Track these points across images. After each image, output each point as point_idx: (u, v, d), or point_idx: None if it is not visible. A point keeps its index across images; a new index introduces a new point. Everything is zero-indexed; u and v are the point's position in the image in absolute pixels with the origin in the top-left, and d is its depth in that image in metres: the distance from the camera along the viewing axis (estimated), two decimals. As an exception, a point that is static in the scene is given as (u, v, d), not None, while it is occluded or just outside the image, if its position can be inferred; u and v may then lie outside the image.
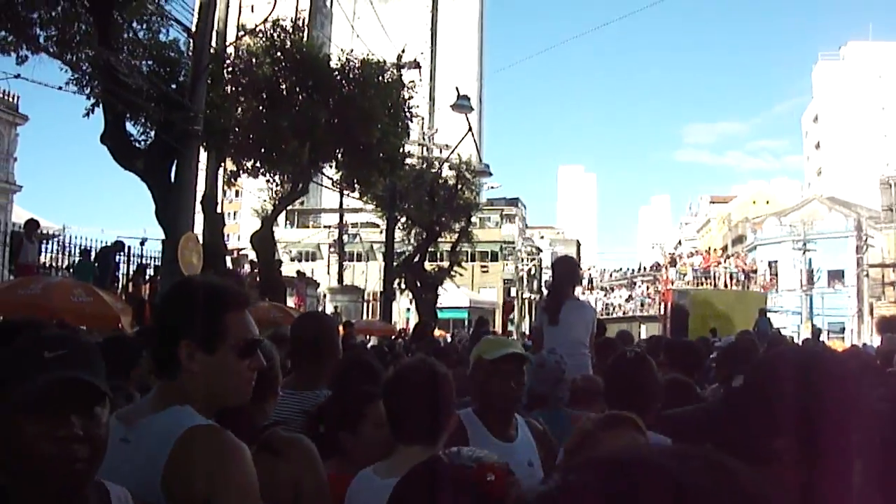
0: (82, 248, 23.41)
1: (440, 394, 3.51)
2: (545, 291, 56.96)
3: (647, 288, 64.19)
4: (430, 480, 1.95)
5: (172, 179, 16.03)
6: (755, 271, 48.53)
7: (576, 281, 9.14)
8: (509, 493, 1.87)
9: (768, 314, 49.02)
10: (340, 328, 20.54)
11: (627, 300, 66.56)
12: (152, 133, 16.87)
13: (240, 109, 20.34)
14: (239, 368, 2.79)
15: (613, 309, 65.46)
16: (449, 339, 28.75)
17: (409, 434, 3.43)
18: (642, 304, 62.74)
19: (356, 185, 26.14)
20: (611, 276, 79.20)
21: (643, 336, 35.44)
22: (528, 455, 4.34)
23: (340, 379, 4.83)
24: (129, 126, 16.99)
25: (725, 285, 43.85)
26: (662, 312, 42.19)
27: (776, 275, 64.12)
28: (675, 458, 0.87)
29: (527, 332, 51.46)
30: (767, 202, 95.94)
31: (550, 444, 4.52)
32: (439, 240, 39.42)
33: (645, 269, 70.84)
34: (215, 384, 2.75)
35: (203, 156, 18.75)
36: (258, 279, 24.25)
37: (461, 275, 43.70)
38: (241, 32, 21.17)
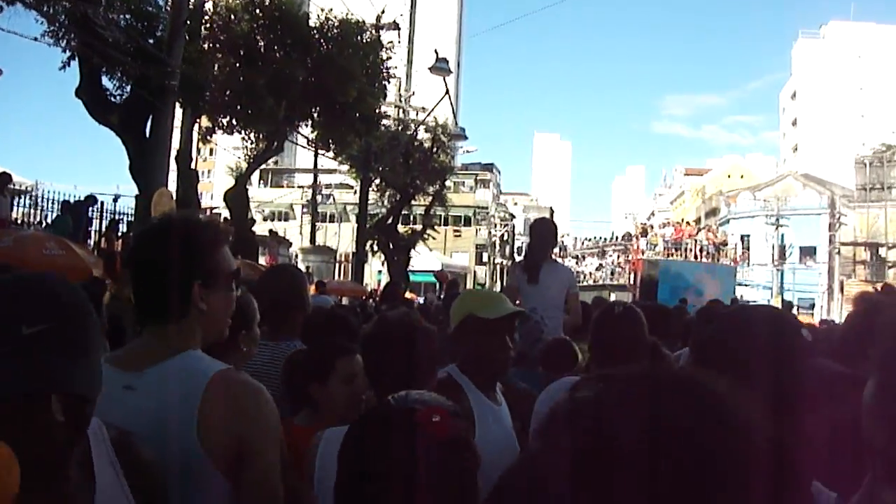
0: (62, 202, 23.28)
1: (422, 349, 3.53)
2: (517, 257, 56.97)
3: (618, 257, 64.35)
4: (379, 423, 2.00)
5: (147, 135, 15.96)
6: (725, 244, 48.72)
7: (554, 243, 9.04)
8: (454, 433, 1.92)
9: (739, 287, 49.46)
10: (312, 288, 20.62)
11: (598, 269, 66.77)
12: (128, 88, 16.79)
13: (217, 66, 20.24)
14: (229, 303, 2.85)
15: (584, 277, 65.64)
16: (421, 302, 28.83)
17: (388, 389, 3.29)
18: (612, 273, 62.92)
19: (331, 145, 26.10)
20: (583, 244, 79.44)
21: (613, 303, 35.77)
22: (508, 419, 4.07)
23: (313, 330, 4.88)
24: (105, 80, 16.91)
25: (696, 257, 44.00)
26: (632, 282, 42.51)
27: (748, 249, 64.49)
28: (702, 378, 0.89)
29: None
30: (742, 176, 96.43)
31: (531, 405, 4.35)
32: (413, 202, 39.42)
33: (617, 238, 71.01)
34: (216, 321, 2.80)
35: (179, 112, 18.66)
36: (230, 237, 24.19)
37: (434, 238, 43.75)
38: (221, -13, 21.06)
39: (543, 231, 8.71)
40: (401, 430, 1.90)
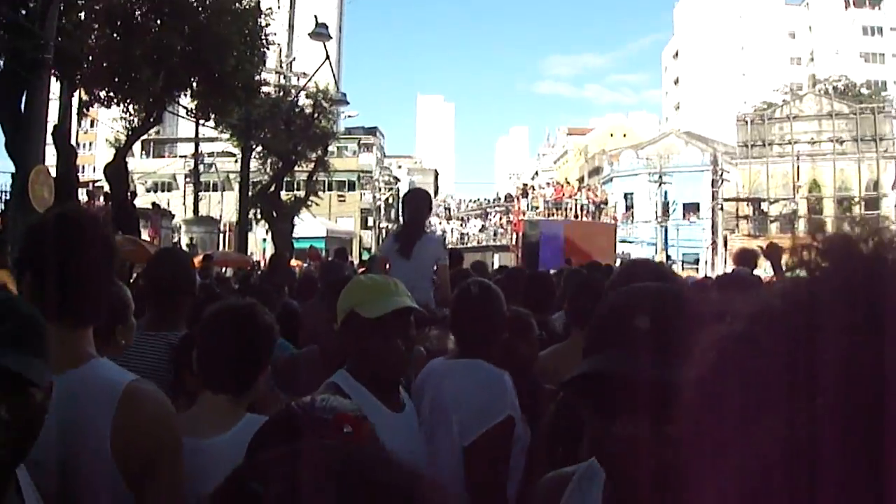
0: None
1: (257, 343, 3.30)
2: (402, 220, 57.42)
3: (500, 218, 64.95)
4: (286, 435, 1.89)
5: (22, 110, 15.64)
6: (606, 203, 49.41)
7: (428, 214, 9.07)
8: (365, 441, 1.90)
9: (624, 244, 50.25)
10: (198, 261, 20.48)
11: (481, 230, 67.34)
12: (1, 62, 16.39)
13: (93, 37, 19.83)
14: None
15: (468, 238, 66.12)
16: (306, 266, 28.78)
17: (218, 382, 3.23)
18: (495, 234, 63.55)
19: (211, 114, 25.84)
20: (467, 206, 79.90)
21: (497, 265, 36.10)
22: (414, 423, 3.65)
23: (194, 316, 4.53)
24: (-26, 54, 16.49)
25: (576, 216, 44.61)
26: (514, 242, 42.96)
27: (632, 207, 65.75)
28: None
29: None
30: (625, 135, 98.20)
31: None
32: (296, 169, 39.15)
33: (500, 199, 71.59)
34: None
35: (55, 86, 18.30)
36: (111, 212, 23.88)
37: (318, 204, 43.55)
38: (94, -44, 20.64)
39: (418, 203, 8.78)
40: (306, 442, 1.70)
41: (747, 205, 64.15)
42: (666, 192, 62.64)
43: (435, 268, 8.30)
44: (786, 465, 0.80)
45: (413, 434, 3.53)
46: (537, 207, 46.85)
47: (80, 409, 2.49)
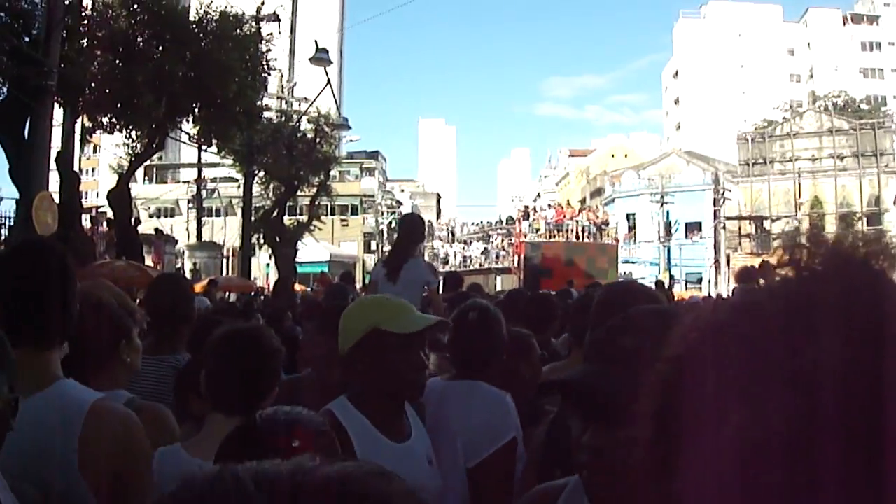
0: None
1: (264, 365, 3.33)
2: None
3: (502, 241, 64.90)
4: (244, 445, 2.03)
5: (26, 137, 15.73)
6: (607, 224, 49.46)
7: (419, 239, 9.09)
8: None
9: (627, 264, 50.21)
10: (201, 286, 20.51)
11: (483, 253, 67.24)
12: (4, 89, 16.48)
13: (95, 64, 19.94)
14: None
15: (471, 261, 66.09)
16: (309, 291, 28.80)
17: (225, 404, 3.24)
18: (497, 257, 63.45)
19: (213, 140, 25.92)
20: (470, 229, 79.92)
21: (499, 287, 36.09)
22: (425, 449, 3.45)
23: (195, 339, 4.68)
24: (-22, 81, 16.59)
25: (577, 238, 44.69)
26: (516, 264, 43.01)
27: (634, 227, 65.71)
28: None
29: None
30: (626, 156, 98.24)
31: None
32: (298, 194, 39.22)
33: (502, 222, 71.61)
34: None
35: (58, 112, 18.38)
36: (115, 238, 23.93)
37: (321, 229, 43.61)
38: (98, -17, 20.79)
39: (409, 228, 8.89)
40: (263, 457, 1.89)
41: (749, 223, 64.19)
42: (668, 212, 62.66)
43: (425, 292, 8.30)
44: (756, 455, 0.84)
45: (418, 464, 3.33)
46: (538, 229, 46.96)
47: (48, 429, 2.53)
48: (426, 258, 69.71)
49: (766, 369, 0.84)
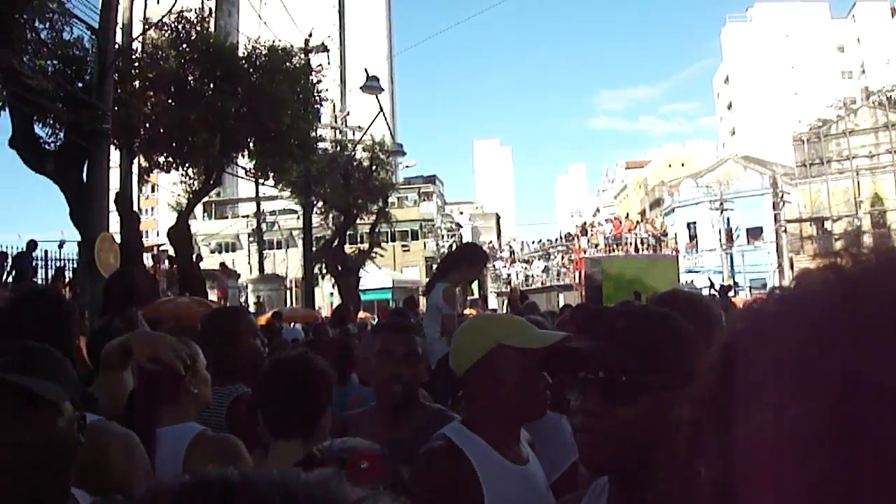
0: None
1: (314, 388, 3.41)
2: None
3: (562, 258, 64.83)
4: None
5: (85, 180, 15.95)
6: (666, 234, 49.26)
7: (455, 263, 8.93)
8: (384, 478, 2.01)
9: (690, 274, 49.81)
10: (264, 318, 20.61)
11: (544, 271, 67.18)
12: (61, 134, 16.72)
13: (148, 104, 20.20)
14: None
15: (532, 279, 66.06)
16: (374, 322, 28.87)
17: (283, 429, 3.35)
18: (558, 274, 63.38)
19: (270, 173, 26.12)
20: (530, 247, 79.90)
21: (561, 303, 36.03)
22: (542, 473, 3.29)
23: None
24: (37, 128, 16.82)
25: (636, 250, 44.56)
26: (577, 281, 42.94)
27: (696, 236, 65.21)
28: None
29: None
30: (683, 164, 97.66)
31: None
32: (357, 222, 39.51)
33: (562, 239, 71.55)
34: None
35: (115, 154, 18.62)
36: (177, 274, 24.18)
37: (382, 256, 43.85)
38: (147, 26, 21.04)
39: (452, 255, 8.87)
40: None
41: (810, 225, 63.37)
42: (728, 219, 62.00)
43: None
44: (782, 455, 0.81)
45: (539, 488, 3.19)
46: (597, 244, 46.91)
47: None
48: (489, 279, 70.04)
49: (806, 365, 0.83)
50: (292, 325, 25.93)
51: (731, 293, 22.43)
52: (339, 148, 36.58)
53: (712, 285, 24.35)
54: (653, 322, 2.09)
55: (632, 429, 1.93)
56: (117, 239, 17.07)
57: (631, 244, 45.88)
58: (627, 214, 77.64)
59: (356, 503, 0.85)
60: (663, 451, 1.81)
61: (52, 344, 2.75)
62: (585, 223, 59.71)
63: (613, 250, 45.07)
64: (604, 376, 1.98)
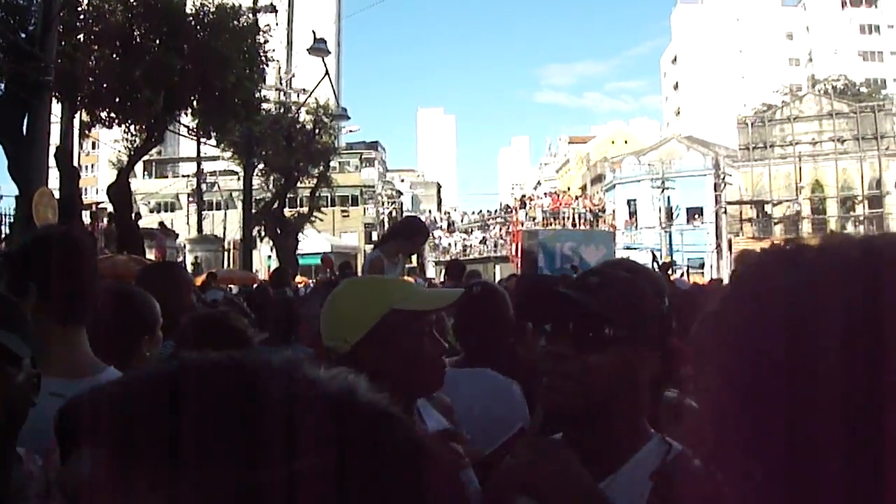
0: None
1: (228, 346, 3.30)
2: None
3: (500, 229, 65.08)
4: None
5: (25, 133, 15.69)
6: (603, 210, 49.62)
7: (392, 236, 8.87)
8: None
9: (628, 251, 50.22)
10: (200, 279, 20.47)
11: (482, 242, 67.41)
12: (2, 85, 16.45)
13: (92, 58, 19.90)
14: None
15: (471, 250, 66.28)
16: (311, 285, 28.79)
17: None
18: (496, 245, 63.60)
19: (212, 133, 25.91)
20: (470, 218, 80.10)
21: (498, 276, 36.15)
22: None
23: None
24: (-25, 78, 16.55)
25: (573, 225, 44.91)
26: (514, 253, 43.14)
27: (635, 213, 65.67)
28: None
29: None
30: (626, 142, 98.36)
31: None
32: (298, 185, 39.35)
33: (500, 210, 71.83)
34: None
35: (56, 108, 18.35)
36: (116, 232, 23.92)
37: (321, 220, 43.76)
38: (93, -22, 20.73)
39: (393, 225, 8.83)
40: None
41: (751, 207, 64.09)
42: (669, 198, 62.40)
43: None
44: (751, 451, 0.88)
45: None
46: (535, 217, 47.22)
47: None
48: (427, 248, 70.11)
49: (763, 359, 0.89)
50: (230, 287, 25.80)
51: (669, 271, 22.68)
52: (282, 110, 36.28)
53: (655, 259, 24.55)
54: (623, 283, 2.20)
55: (598, 374, 2.03)
56: (56, 194, 16.84)
57: (569, 218, 46.30)
58: (569, 188, 78.04)
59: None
60: (621, 401, 2.06)
61: (91, 283, 2.82)
62: (524, 196, 59.97)
63: (551, 224, 45.46)
64: (577, 324, 2.10)
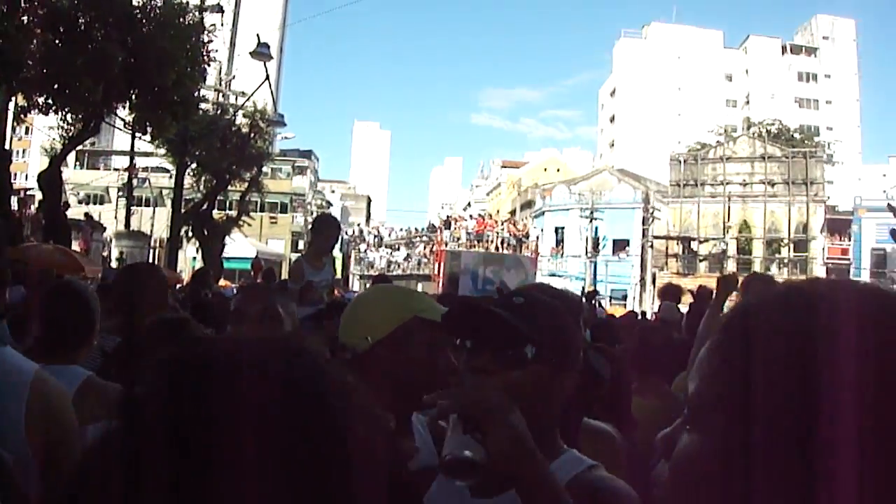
0: None
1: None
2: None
3: (424, 248, 65.22)
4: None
5: (-42, 113, 15.48)
6: (527, 236, 49.96)
7: (312, 241, 9.03)
8: None
9: (553, 278, 50.50)
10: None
11: (406, 259, 67.53)
12: (-61, 64, 16.21)
13: (34, 42, 19.67)
14: None
15: (395, 266, 66.33)
16: (234, 291, 28.60)
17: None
18: (419, 264, 63.74)
19: (148, 128, 25.71)
20: (398, 234, 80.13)
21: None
22: None
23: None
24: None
25: (497, 248, 45.20)
26: (437, 272, 43.34)
27: (563, 241, 66.13)
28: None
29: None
30: (558, 170, 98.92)
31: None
32: (229, 188, 39.16)
33: (425, 229, 71.99)
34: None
35: (-7, 90, 18.13)
36: (43, 221, 23.63)
37: (249, 225, 43.53)
38: (39, -39, 20.50)
39: (323, 226, 8.85)
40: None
41: (677, 243, 64.86)
42: (597, 228, 62.92)
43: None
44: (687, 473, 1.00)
45: None
46: (459, 238, 47.50)
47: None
48: (353, 261, 70.10)
49: (707, 386, 0.98)
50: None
51: (594, 301, 22.96)
52: (220, 111, 36.12)
53: (583, 292, 24.93)
54: (545, 305, 2.31)
55: (518, 391, 2.05)
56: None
57: (492, 242, 46.52)
58: (498, 211, 78.32)
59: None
60: (536, 417, 2.01)
61: None
62: (449, 217, 60.22)
63: (475, 246, 45.64)
64: (500, 341, 2.19)
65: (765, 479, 0.88)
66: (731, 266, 58.38)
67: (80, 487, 0.89)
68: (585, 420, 2.51)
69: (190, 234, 36.57)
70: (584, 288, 28.02)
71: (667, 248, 64.83)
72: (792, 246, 62.53)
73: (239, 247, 47.08)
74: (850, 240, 62.34)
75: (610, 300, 53.50)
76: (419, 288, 49.49)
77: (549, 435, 2.22)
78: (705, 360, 1.03)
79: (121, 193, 57.06)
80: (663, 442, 1.14)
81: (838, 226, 63.14)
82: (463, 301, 2.67)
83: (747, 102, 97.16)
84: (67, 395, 2.88)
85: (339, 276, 42.68)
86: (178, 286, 25.58)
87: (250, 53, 26.28)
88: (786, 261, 61.58)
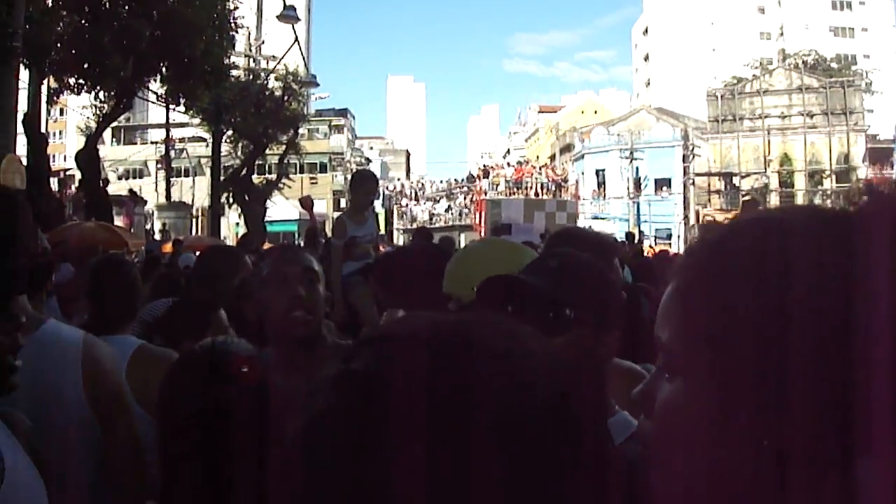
0: None
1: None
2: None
3: (464, 198, 64.94)
4: (196, 371, 2.19)
5: (-7, 99, 15.64)
6: (566, 180, 49.55)
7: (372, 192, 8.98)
8: (259, 378, 2.14)
9: (596, 220, 50.28)
10: (169, 246, 20.54)
11: (447, 210, 67.28)
12: (-31, 51, 16.35)
13: (61, 24, 19.79)
14: None
15: (437, 218, 66.14)
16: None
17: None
18: (461, 214, 63.50)
19: (181, 99, 25.83)
20: (439, 186, 79.96)
21: (463, 244, 36.29)
22: None
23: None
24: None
25: (536, 195, 44.88)
26: (478, 221, 43.23)
27: (604, 183, 65.69)
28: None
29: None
30: (596, 112, 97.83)
31: None
32: (267, 152, 39.22)
33: (465, 179, 71.61)
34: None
35: (24, 74, 18.25)
36: (84, 199, 23.88)
37: (290, 187, 43.57)
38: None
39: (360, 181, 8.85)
40: (216, 380, 2.11)
41: (719, 179, 64.24)
42: (637, 168, 62.37)
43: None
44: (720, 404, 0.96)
45: None
46: (498, 185, 47.28)
47: (49, 363, 2.71)
48: (395, 216, 70.07)
49: (732, 309, 0.95)
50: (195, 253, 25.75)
51: (636, 241, 23.03)
52: (251, 77, 36.18)
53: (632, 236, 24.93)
54: (581, 265, 2.32)
55: (563, 357, 2.09)
56: (24, 161, 16.83)
57: (531, 188, 46.19)
58: (537, 157, 77.74)
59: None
60: (587, 382, 2.10)
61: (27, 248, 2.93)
62: (486, 165, 59.74)
63: (514, 193, 45.35)
64: (536, 309, 2.17)
65: (765, 405, 0.90)
66: (774, 200, 57.76)
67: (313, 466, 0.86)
68: (615, 360, 2.48)
69: (231, 200, 36.73)
70: (628, 230, 27.83)
71: (709, 185, 64.19)
72: (834, 177, 61.70)
73: (281, 209, 47.30)
74: (892, 168, 61.22)
75: (655, 239, 53.20)
76: (462, 238, 49.46)
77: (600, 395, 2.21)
78: (677, 303, 1.05)
79: (159, 166, 57.40)
80: (641, 397, 1.13)
81: (880, 155, 62.22)
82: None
83: (781, 34, 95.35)
84: (115, 357, 3.02)
85: (382, 231, 42.85)
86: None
87: (277, 17, 26.27)
88: (829, 192, 60.73)
